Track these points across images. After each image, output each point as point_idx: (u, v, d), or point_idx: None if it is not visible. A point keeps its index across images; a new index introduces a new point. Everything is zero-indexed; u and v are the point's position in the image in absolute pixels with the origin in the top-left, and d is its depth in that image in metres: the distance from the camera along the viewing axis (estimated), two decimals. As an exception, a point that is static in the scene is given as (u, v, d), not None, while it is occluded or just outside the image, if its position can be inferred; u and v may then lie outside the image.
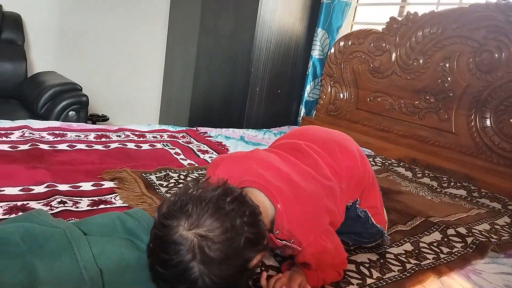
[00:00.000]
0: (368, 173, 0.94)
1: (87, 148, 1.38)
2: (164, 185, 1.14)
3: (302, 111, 2.57)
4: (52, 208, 0.94)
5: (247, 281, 0.70)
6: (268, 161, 0.83)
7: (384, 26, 2.06)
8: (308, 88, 2.52)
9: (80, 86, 2.09)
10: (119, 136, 1.55)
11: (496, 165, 1.61)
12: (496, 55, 1.63)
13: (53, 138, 1.42)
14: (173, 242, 0.57)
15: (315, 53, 2.47)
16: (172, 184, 1.16)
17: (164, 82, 2.96)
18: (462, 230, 1.11)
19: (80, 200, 1.00)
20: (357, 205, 0.90)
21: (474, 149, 1.68)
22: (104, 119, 2.52)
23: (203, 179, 0.71)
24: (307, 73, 2.52)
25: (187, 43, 2.67)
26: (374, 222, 0.90)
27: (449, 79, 1.77)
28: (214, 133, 1.86)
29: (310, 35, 2.46)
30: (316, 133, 1.01)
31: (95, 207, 0.97)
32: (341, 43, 2.27)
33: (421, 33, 1.87)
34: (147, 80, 2.92)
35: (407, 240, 1.01)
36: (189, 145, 1.58)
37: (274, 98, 2.43)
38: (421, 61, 1.87)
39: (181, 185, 1.16)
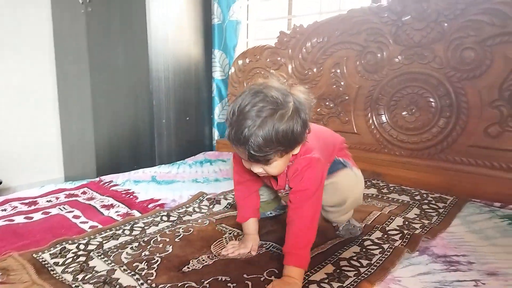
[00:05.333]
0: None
1: (-38, 236, 1.16)
2: (60, 263, 0.99)
3: (216, 134, 2.52)
4: None
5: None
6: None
7: (276, 41, 2.10)
8: (216, 110, 2.48)
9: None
10: (5, 210, 1.34)
11: (399, 156, 1.70)
12: (379, 55, 1.74)
13: None
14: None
15: (217, 75, 2.44)
16: (70, 260, 1.01)
17: (62, 130, 2.71)
18: (378, 234, 1.14)
19: (-51, 312, 0.82)
20: None
21: (377, 145, 1.76)
22: (-5, 184, 2.21)
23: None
24: (213, 95, 2.48)
25: (79, 82, 2.48)
26: None
27: (342, 83, 1.85)
28: (121, 179, 1.72)
29: (209, 57, 2.43)
30: None
31: (-32, 319, 0.80)
32: (240, 62, 2.27)
33: (309, 44, 1.94)
34: (41, 130, 2.64)
35: (328, 262, 1.00)
36: (91, 202, 1.43)
37: (183, 126, 2.35)
38: (314, 69, 1.94)
39: (80, 259, 1.02)
